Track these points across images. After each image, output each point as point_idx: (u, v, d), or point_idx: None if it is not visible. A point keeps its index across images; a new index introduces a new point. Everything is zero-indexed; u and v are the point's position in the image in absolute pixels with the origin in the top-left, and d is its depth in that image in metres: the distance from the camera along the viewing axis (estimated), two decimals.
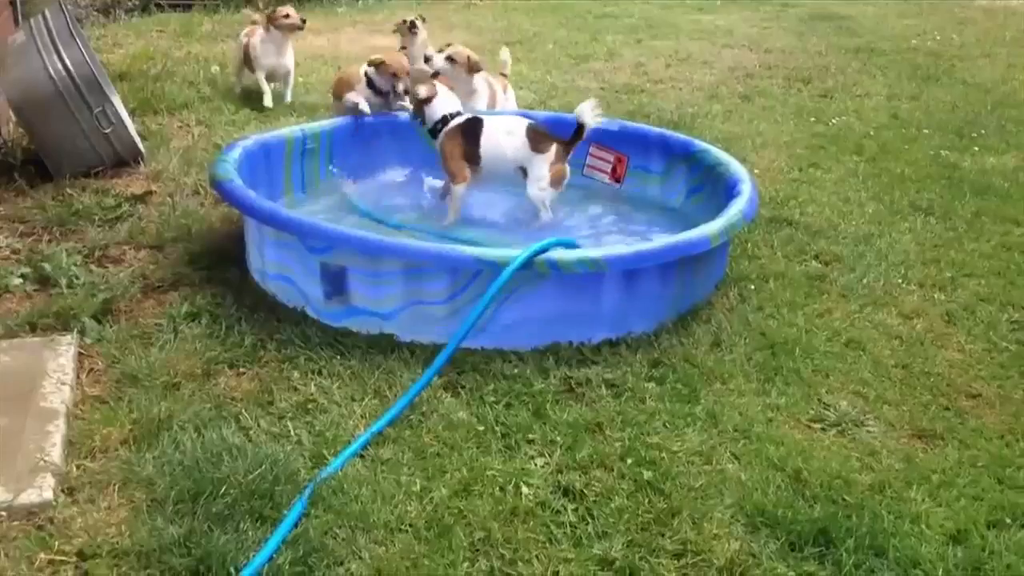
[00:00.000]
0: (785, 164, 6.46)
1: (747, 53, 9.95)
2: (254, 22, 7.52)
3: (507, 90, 6.35)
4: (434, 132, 5.08)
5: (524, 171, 4.94)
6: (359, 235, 4.05)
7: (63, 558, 2.79)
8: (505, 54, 6.76)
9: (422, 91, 5.03)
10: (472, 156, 4.98)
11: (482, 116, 5.13)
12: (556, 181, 4.91)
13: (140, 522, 2.93)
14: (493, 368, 3.79)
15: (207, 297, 4.26)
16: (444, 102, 5.09)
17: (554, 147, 4.88)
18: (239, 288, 4.35)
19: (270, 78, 7.30)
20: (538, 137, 4.92)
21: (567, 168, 4.96)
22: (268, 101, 7.17)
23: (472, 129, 5.00)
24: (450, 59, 5.68)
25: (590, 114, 4.80)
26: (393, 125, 5.69)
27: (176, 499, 3.00)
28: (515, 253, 3.82)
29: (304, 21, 7.33)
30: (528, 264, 3.81)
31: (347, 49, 7.48)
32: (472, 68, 5.74)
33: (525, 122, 5.01)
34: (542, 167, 4.88)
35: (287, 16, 7.25)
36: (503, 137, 4.95)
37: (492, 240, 4.59)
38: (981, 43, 10.72)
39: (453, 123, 5.03)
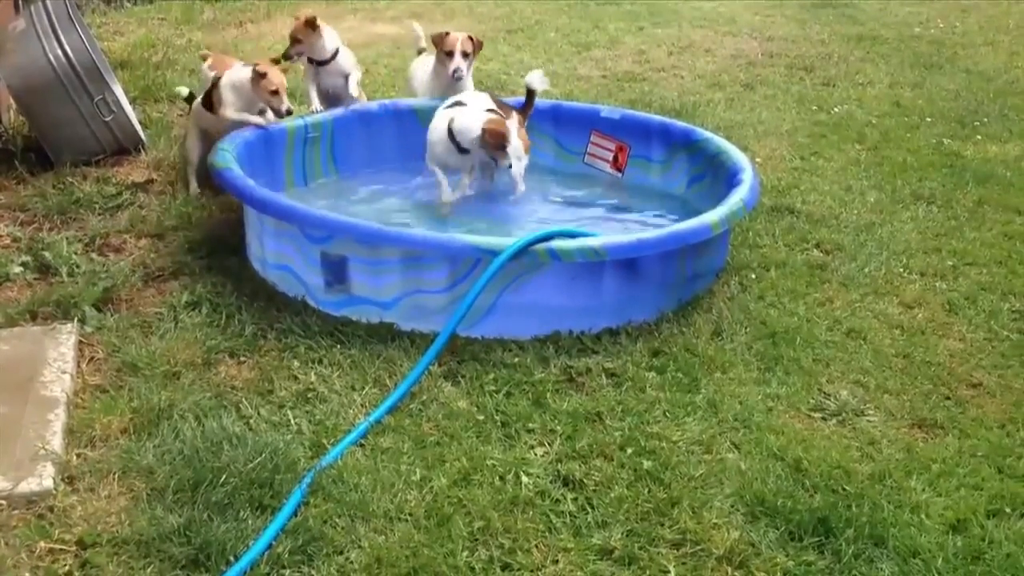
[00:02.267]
0: (787, 153, 6.44)
1: (749, 41, 9.89)
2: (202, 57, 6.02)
3: None
4: None
5: None
6: (359, 224, 4.05)
7: (63, 547, 2.81)
8: (416, 28, 6.29)
9: None
10: None
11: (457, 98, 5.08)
12: (526, 149, 5.03)
13: (140, 511, 2.93)
14: (493, 357, 3.79)
15: (207, 286, 4.26)
16: None
17: (515, 115, 5.04)
18: (239, 277, 4.35)
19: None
20: (501, 107, 5.05)
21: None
22: None
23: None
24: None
25: (539, 80, 5.10)
26: (398, 116, 5.64)
27: (176, 488, 3.01)
28: (514, 241, 3.81)
29: None
30: (524, 252, 3.80)
31: (348, 38, 7.42)
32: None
33: (486, 94, 5.16)
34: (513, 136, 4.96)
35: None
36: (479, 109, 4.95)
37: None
38: (984, 31, 10.65)
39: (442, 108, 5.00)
